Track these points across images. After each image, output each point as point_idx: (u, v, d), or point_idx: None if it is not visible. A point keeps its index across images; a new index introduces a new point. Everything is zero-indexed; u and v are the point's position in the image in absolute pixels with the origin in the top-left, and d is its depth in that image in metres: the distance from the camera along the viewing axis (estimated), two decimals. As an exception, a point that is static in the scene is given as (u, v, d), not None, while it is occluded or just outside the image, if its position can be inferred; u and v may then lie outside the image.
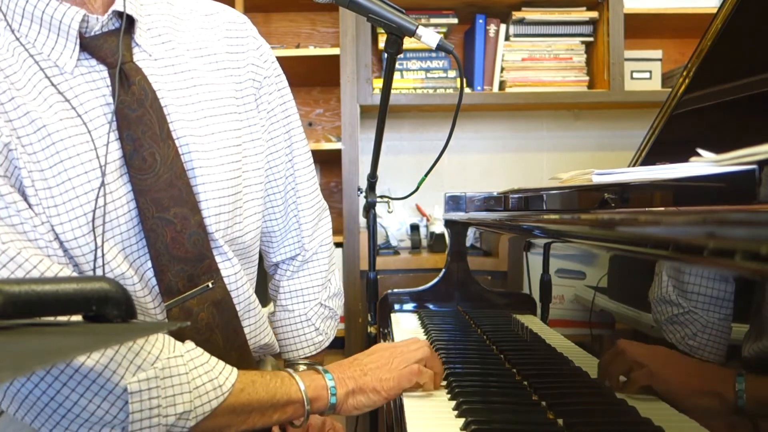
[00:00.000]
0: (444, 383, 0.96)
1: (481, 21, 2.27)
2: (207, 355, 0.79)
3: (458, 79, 2.26)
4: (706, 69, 1.16)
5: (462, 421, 0.79)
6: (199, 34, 0.92)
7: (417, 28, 1.03)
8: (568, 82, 2.29)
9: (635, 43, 2.37)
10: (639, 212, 0.63)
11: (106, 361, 0.71)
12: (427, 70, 2.29)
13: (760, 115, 1.05)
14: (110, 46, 0.81)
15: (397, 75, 2.25)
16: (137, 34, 0.85)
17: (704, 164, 0.59)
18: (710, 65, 1.16)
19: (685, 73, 1.20)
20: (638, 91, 2.27)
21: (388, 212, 2.46)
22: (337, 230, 2.41)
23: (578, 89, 2.29)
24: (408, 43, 2.21)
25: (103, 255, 0.79)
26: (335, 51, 2.16)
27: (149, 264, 0.83)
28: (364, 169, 1.57)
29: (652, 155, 1.22)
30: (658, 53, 2.34)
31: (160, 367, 0.74)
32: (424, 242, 2.41)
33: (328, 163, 2.50)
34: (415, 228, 2.39)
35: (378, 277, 1.45)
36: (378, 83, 2.17)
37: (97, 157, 0.78)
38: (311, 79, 2.45)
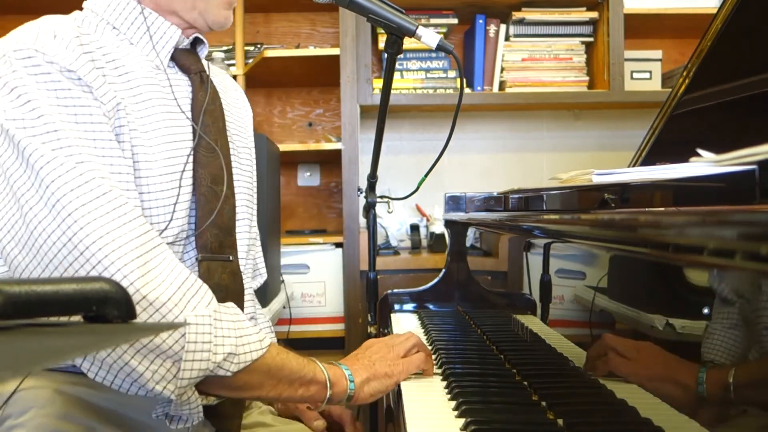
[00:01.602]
0: (444, 383, 0.96)
1: (481, 21, 2.27)
2: (246, 317, 0.92)
3: (458, 79, 2.26)
4: (706, 69, 1.16)
5: (462, 421, 0.79)
6: (222, 76, 1.16)
7: (417, 28, 1.03)
8: (568, 82, 2.29)
9: (635, 43, 2.37)
10: (639, 212, 0.63)
11: (170, 294, 0.82)
12: (427, 70, 2.28)
13: (760, 115, 1.05)
14: (188, 60, 1.03)
15: (397, 75, 2.25)
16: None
17: (704, 164, 0.59)
18: (710, 65, 1.16)
19: (685, 74, 1.20)
20: (638, 91, 2.27)
21: (388, 212, 2.45)
22: (337, 230, 2.42)
23: (578, 89, 2.28)
24: (408, 43, 2.20)
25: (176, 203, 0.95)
26: (335, 51, 2.16)
27: (193, 221, 0.98)
28: (364, 169, 1.57)
29: (652, 155, 1.23)
30: (658, 53, 2.34)
31: (213, 309, 0.86)
32: (424, 242, 2.41)
33: (328, 163, 2.50)
34: (415, 228, 2.39)
35: (378, 277, 1.45)
36: (378, 83, 2.17)
37: (191, 130, 0.98)
38: (311, 79, 2.45)
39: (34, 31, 0.86)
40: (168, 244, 0.91)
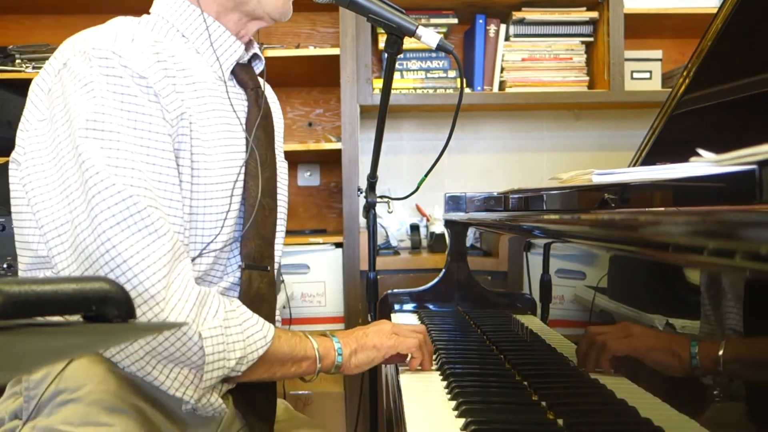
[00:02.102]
0: (444, 383, 0.96)
1: (481, 21, 2.27)
2: (250, 312, 0.95)
3: (458, 79, 2.26)
4: (706, 69, 1.16)
5: (462, 421, 0.79)
6: (267, 89, 1.17)
7: (417, 28, 1.04)
8: (568, 82, 2.28)
9: (635, 43, 2.37)
10: (639, 212, 0.63)
11: (187, 312, 0.86)
12: (427, 70, 2.28)
13: (760, 115, 1.05)
14: (247, 75, 1.07)
15: (397, 75, 2.25)
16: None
17: (704, 164, 0.59)
18: (710, 65, 1.16)
19: (685, 73, 1.20)
20: (638, 91, 2.27)
21: (388, 212, 2.45)
22: (337, 230, 2.42)
23: (578, 89, 2.28)
24: (408, 43, 2.20)
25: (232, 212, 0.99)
26: (335, 51, 2.16)
27: (239, 230, 1.03)
28: (364, 169, 1.57)
29: (652, 155, 1.23)
30: (658, 53, 2.34)
31: (222, 318, 0.90)
32: (424, 242, 2.41)
33: (328, 163, 2.50)
34: (415, 228, 2.39)
35: (378, 277, 1.45)
36: (378, 83, 2.17)
37: (244, 142, 1.02)
38: (311, 79, 2.45)
39: (113, 32, 0.90)
40: (217, 250, 0.98)
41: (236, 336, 0.91)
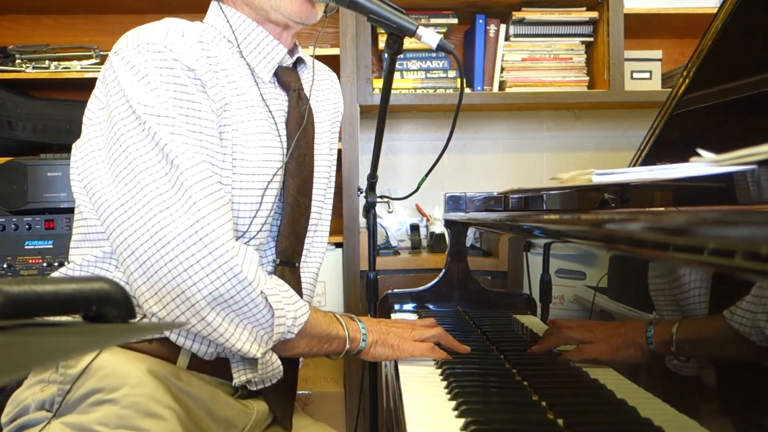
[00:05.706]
0: (444, 383, 0.96)
1: (481, 21, 2.27)
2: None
3: (458, 79, 2.26)
4: (706, 69, 1.16)
5: (462, 421, 0.79)
6: (320, 84, 1.22)
7: (417, 28, 1.03)
8: (568, 82, 2.28)
9: (635, 43, 2.37)
10: (639, 212, 0.63)
11: (253, 271, 0.92)
12: (427, 70, 2.28)
13: (760, 115, 1.05)
14: (289, 77, 1.12)
15: (397, 75, 2.24)
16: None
17: (704, 164, 0.59)
18: (710, 65, 1.16)
19: (685, 73, 1.20)
20: (638, 91, 2.27)
21: (388, 212, 2.45)
22: (337, 230, 2.41)
23: (578, 89, 2.28)
24: (408, 43, 2.20)
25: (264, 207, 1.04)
26: (335, 51, 2.15)
27: (275, 229, 1.08)
28: (364, 169, 1.57)
29: (652, 155, 1.23)
30: (658, 53, 2.34)
31: (275, 281, 0.97)
32: (424, 242, 2.41)
33: (328, 163, 2.50)
34: (415, 228, 2.39)
35: (378, 277, 1.45)
36: (378, 83, 2.17)
37: (281, 141, 1.07)
38: (311, 79, 2.45)
39: (165, 28, 0.97)
40: (247, 242, 1.02)
41: (287, 299, 0.97)
